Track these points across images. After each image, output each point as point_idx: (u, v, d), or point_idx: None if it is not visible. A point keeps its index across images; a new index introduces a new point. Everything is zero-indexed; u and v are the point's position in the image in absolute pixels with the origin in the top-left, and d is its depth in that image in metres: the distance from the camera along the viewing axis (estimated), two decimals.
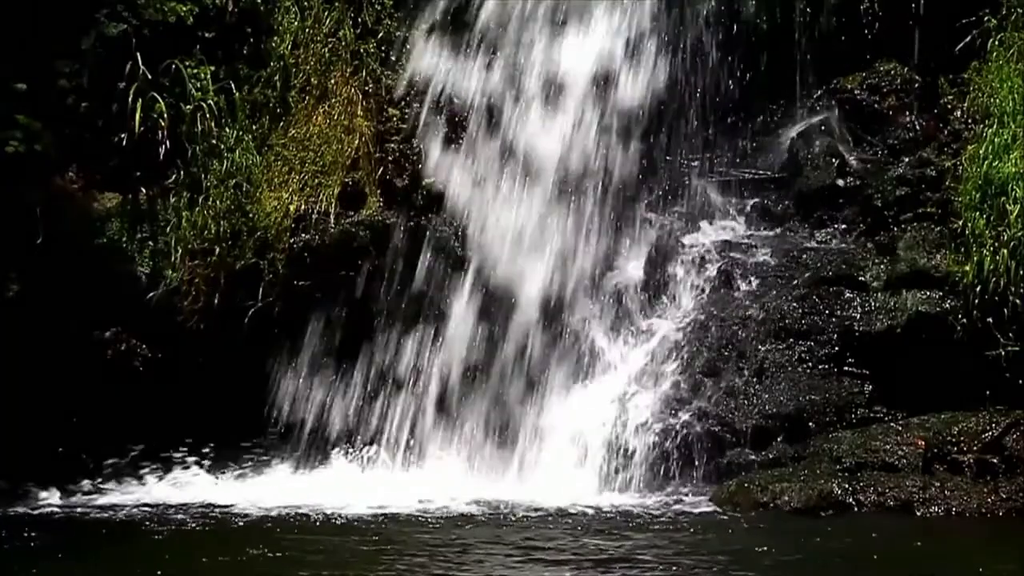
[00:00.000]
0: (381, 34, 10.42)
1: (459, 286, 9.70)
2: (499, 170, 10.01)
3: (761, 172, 10.56)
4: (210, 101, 9.55)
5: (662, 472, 8.86)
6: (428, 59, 10.28)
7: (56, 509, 8.23)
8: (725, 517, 8.03)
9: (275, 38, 10.04)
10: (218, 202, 9.45)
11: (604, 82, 10.37)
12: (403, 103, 10.14)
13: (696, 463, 8.84)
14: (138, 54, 9.32)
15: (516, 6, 10.51)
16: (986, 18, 9.90)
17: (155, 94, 9.36)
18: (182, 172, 9.49)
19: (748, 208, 10.43)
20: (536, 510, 8.15)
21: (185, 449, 9.07)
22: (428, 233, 9.79)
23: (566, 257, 9.81)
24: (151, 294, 9.23)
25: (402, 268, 9.69)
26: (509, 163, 10.03)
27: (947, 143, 10.01)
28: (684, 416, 8.99)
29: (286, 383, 9.42)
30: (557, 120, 10.17)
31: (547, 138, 10.10)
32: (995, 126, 9.33)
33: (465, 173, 9.96)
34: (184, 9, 9.46)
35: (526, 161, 10.05)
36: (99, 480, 8.81)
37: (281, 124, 9.94)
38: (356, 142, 9.98)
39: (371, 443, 9.40)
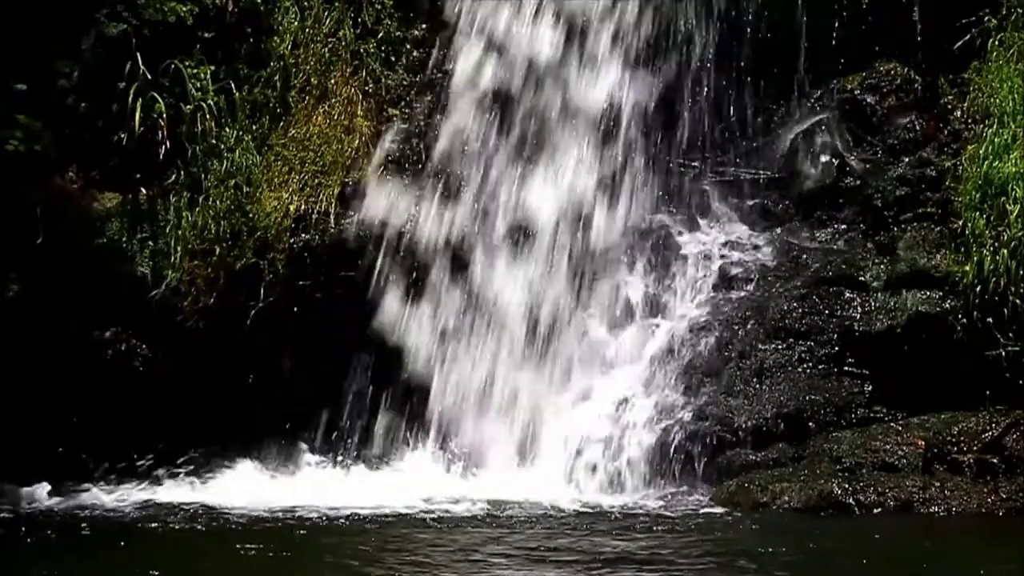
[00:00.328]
0: (381, 34, 10.42)
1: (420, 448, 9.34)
2: (465, 321, 9.59)
3: (761, 172, 10.55)
4: (210, 101, 9.55)
5: (662, 472, 8.85)
6: (382, 200, 9.73)
7: (55, 509, 8.22)
8: (725, 517, 8.02)
9: (275, 38, 10.04)
10: (218, 202, 9.45)
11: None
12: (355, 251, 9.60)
13: (696, 463, 8.84)
14: (138, 54, 9.32)
15: (475, 140, 10.06)
16: (986, 18, 9.90)
17: (155, 94, 9.36)
18: (182, 172, 9.49)
19: (748, 208, 10.41)
20: (536, 510, 8.15)
21: (185, 449, 9.07)
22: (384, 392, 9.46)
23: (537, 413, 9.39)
24: (151, 294, 9.23)
25: (360, 428, 9.47)
26: (475, 313, 9.60)
27: (947, 143, 10.00)
28: (684, 416, 9.00)
29: None
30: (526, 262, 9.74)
31: (516, 285, 9.66)
32: (995, 126, 9.33)
33: (426, 326, 9.53)
34: (184, 9, 9.46)
35: (494, 310, 9.63)
36: (99, 480, 8.80)
37: (281, 124, 9.93)
38: (356, 142, 9.98)
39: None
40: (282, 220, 9.58)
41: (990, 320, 8.70)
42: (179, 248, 9.30)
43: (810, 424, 8.90)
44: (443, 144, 10.07)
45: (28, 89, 8.72)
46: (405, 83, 10.42)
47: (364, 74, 10.23)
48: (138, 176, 9.46)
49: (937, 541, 7.37)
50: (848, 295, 9.40)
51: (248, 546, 7.00)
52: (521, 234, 9.89)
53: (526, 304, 9.70)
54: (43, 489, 8.53)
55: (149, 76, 9.35)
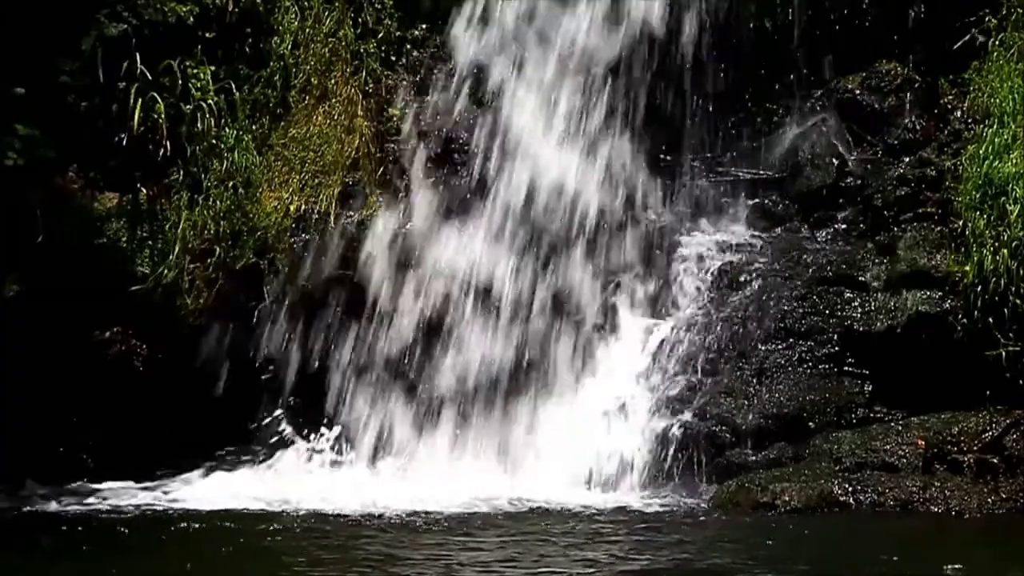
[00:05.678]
0: (381, 34, 10.43)
1: None
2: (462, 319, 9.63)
3: (761, 172, 10.56)
4: (210, 101, 9.55)
5: (662, 472, 8.85)
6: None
7: (55, 510, 8.21)
8: (725, 517, 8.03)
9: (275, 38, 10.04)
10: (218, 202, 9.45)
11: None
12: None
13: (696, 463, 8.83)
14: (138, 54, 9.32)
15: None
16: (986, 18, 9.90)
17: (155, 94, 9.36)
18: (182, 172, 9.49)
19: (748, 208, 10.42)
20: (534, 510, 8.15)
21: (184, 449, 9.07)
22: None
23: None
24: (151, 294, 9.22)
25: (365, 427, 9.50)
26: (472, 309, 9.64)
27: (947, 143, 10.00)
28: (684, 416, 9.00)
29: None
30: None
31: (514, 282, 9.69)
32: (995, 126, 9.32)
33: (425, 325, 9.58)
34: (184, 9, 9.46)
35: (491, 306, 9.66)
36: (98, 480, 8.80)
37: (281, 124, 9.94)
38: (356, 142, 9.98)
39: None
40: (282, 220, 9.59)
41: (990, 320, 8.70)
42: (178, 248, 9.29)
43: (810, 424, 8.90)
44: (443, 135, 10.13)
45: (27, 92, 8.71)
46: (405, 83, 10.43)
47: (364, 74, 10.24)
48: (138, 176, 9.46)
49: (937, 541, 7.38)
50: (848, 295, 9.40)
51: (252, 547, 7.01)
52: (520, 231, 9.89)
53: (525, 302, 9.69)
54: (49, 490, 8.53)
55: (149, 76, 9.34)
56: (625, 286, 9.87)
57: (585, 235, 9.92)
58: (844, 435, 8.71)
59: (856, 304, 9.31)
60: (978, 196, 9.11)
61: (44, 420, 8.86)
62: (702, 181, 10.55)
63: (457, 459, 9.29)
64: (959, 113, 10.05)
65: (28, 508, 8.20)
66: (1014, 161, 9.03)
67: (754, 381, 9.14)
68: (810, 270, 9.68)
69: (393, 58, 10.46)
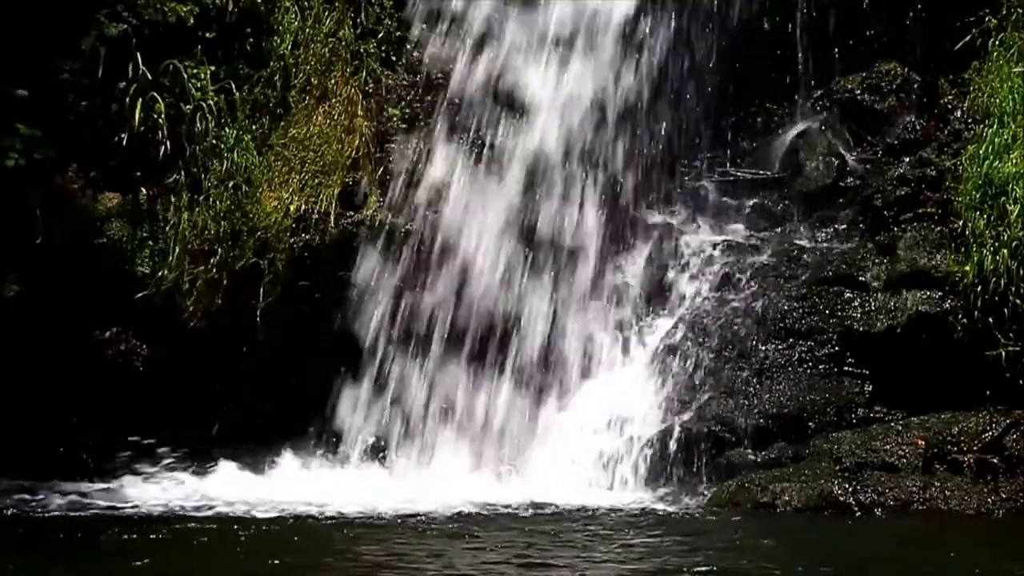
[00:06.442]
0: (381, 34, 10.43)
1: None
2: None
3: (761, 172, 10.56)
4: (210, 101, 9.56)
5: (662, 472, 8.86)
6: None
7: (55, 510, 8.22)
8: (725, 517, 8.02)
9: (275, 38, 10.04)
10: (218, 202, 9.45)
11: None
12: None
13: (696, 463, 8.84)
14: (138, 54, 9.33)
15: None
16: (986, 18, 9.91)
17: (155, 94, 9.37)
18: (182, 172, 9.50)
19: (748, 208, 10.42)
20: (534, 510, 8.15)
21: (185, 449, 9.07)
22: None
23: None
24: (151, 294, 9.23)
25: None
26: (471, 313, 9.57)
27: (947, 143, 10.01)
28: (684, 416, 9.00)
29: None
30: None
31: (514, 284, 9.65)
32: (995, 126, 9.33)
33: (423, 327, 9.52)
34: (184, 9, 9.47)
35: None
36: (99, 480, 8.80)
37: (281, 124, 9.94)
38: (356, 142, 9.98)
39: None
40: (282, 220, 9.59)
41: (990, 320, 8.70)
42: (178, 248, 9.30)
43: (810, 424, 8.90)
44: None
45: (28, 92, 8.72)
46: (405, 83, 10.44)
47: (364, 74, 10.24)
48: (138, 176, 9.47)
49: (937, 541, 7.37)
50: (848, 295, 9.40)
51: (252, 547, 7.01)
52: (521, 232, 9.87)
53: (525, 303, 9.68)
54: (49, 489, 8.53)
55: (149, 76, 9.35)
56: (626, 286, 9.88)
57: (586, 236, 9.93)
58: (844, 435, 8.71)
59: (856, 304, 9.31)
60: (978, 196, 9.12)
61: (44, 420, 8.85)
62: (702, 181, 10.55)
63: (448, 460, 9.29)
64: (959, 113, 10.06)
65: (28, 508, 8.21)
66: (1014, 161, 9.04)
67: (754, 381, 9.14)
68: (810, 270, 9.69)
69: (393, 58, 10.46)
